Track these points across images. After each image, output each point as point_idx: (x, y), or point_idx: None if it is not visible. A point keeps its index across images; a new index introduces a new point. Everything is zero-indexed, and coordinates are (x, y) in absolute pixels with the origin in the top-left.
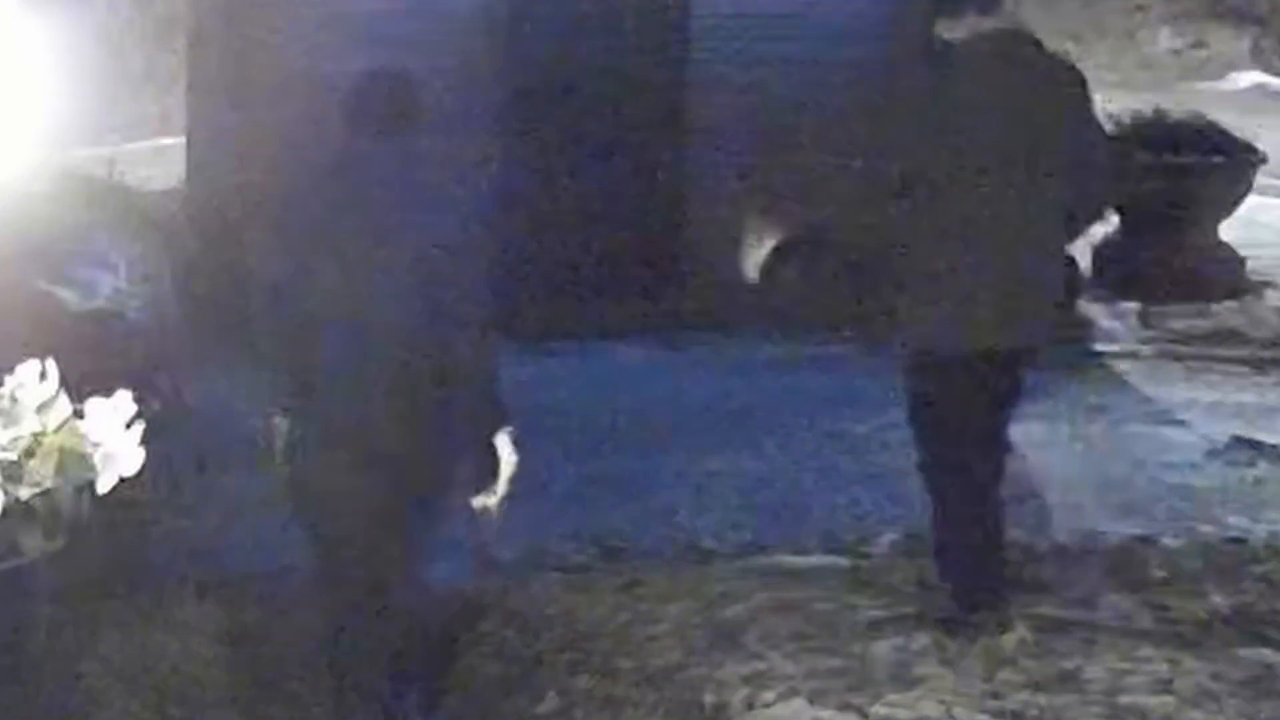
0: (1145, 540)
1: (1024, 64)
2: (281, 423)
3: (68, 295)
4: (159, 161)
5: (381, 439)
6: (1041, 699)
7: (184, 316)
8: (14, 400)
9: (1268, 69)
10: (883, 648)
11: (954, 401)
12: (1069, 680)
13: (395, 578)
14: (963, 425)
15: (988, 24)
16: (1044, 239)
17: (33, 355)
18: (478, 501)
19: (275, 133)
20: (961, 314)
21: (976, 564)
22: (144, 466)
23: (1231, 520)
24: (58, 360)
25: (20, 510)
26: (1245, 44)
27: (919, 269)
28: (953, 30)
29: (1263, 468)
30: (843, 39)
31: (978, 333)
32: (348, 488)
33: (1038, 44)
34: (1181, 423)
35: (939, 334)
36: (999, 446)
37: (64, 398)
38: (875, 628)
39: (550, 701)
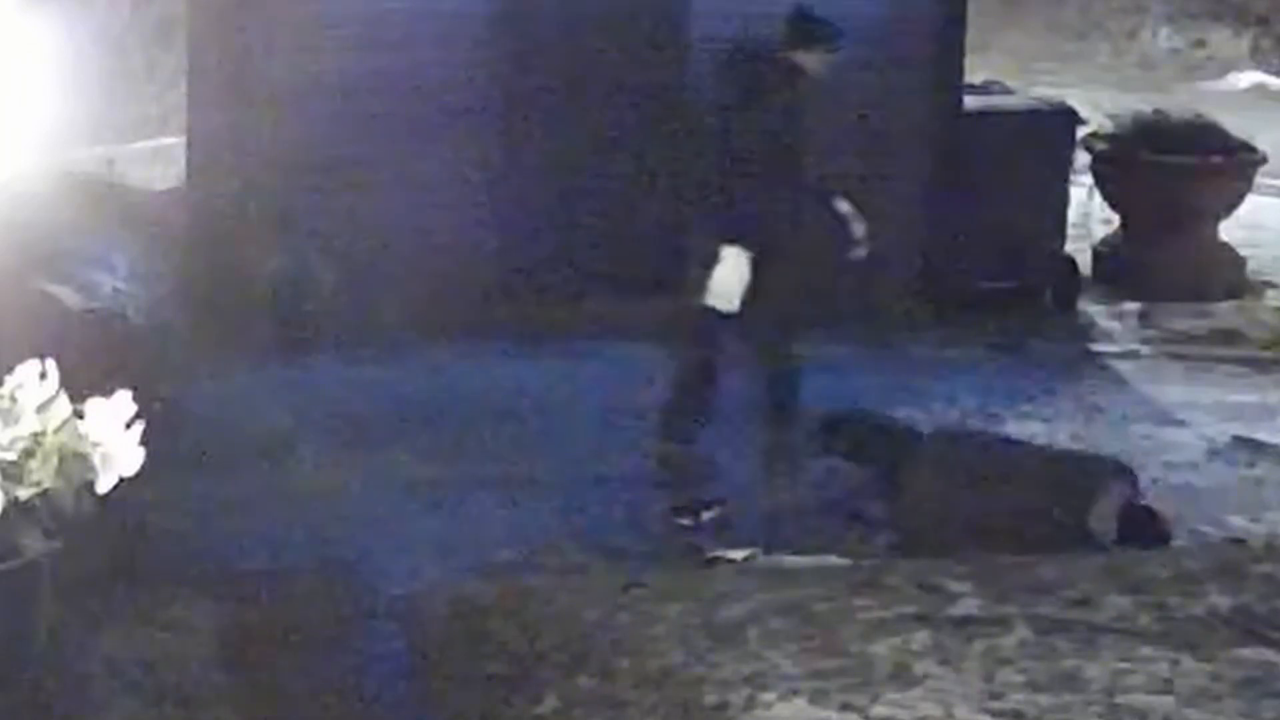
0: None
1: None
2: None
3: (68, 295)
4: (159, 161)
5: None
6: (1041, 699)
7: (184, 316)
8: (14, 400)
9: (1268, 69)
10: (883, 648)
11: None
12: (1069, 680)
13: None
14: None
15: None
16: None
17: (33, 355)
18: None
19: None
20: None
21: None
22: (144, 466)
23: (1231, 520)
24: (58, 360)
25: (20, 510)
26: (1245, 44)
27: None
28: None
29: (1263, 468)
30: None
31: None
32: None
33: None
34: (1181, 423)
35: None
36: None
37: (64, 398)
38: (875, 628)
39: (550, 701)
